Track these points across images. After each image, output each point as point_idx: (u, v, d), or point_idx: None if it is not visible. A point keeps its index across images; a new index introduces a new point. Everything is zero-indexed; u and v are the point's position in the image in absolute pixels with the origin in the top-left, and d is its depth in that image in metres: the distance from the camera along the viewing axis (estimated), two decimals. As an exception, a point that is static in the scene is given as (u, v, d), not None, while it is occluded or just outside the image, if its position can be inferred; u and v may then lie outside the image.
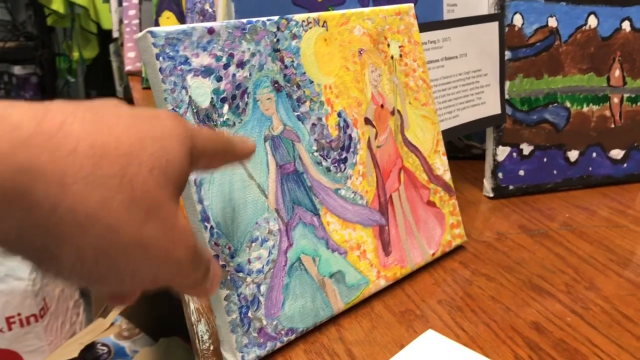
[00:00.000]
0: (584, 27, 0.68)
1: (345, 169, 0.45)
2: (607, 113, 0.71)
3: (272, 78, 0.41)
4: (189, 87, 0.36)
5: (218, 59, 0.38)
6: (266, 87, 0.41)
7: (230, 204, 0.38)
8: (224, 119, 0.38)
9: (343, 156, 0.45)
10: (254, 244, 0.39)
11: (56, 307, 1.39)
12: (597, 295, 0.48)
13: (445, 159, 0.55)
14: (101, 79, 3.11)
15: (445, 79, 0.59)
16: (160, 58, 0.35)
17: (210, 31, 0.38)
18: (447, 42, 0.58)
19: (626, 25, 0.70)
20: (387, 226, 0.48)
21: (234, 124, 0.38)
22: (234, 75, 0.39)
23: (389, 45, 0.50)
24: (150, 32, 0.35)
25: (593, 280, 0.50)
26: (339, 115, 0.45)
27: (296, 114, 0.42)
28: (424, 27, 0.57)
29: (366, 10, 0.49)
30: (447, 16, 0.63)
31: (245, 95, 0.39)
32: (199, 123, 0.36)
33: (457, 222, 0.55)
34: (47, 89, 3.34)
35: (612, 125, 0.72)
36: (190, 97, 0.36)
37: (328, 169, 0.44)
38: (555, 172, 0.69)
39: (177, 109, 0.36)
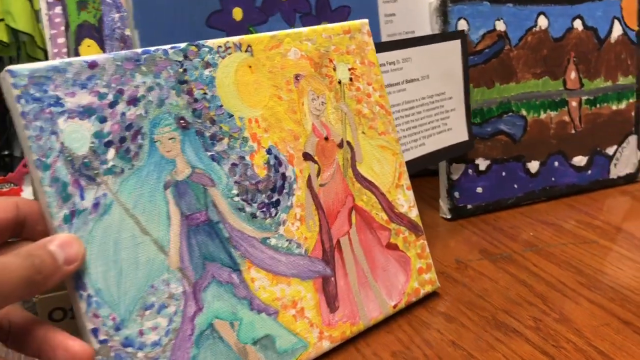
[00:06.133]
0: (534, 29, 0.63)
1: (277, 213, 0.39)
2: (566, 118, 0.66)
3: (177, 114, 0.35)
4: (60, 132, 0.31)
5: (102, 96, 0.33)
6: (168, 125, 0.35)
7: (116, 266, 0.32)
8: (109, 165, 0.32)
9: (274, 199, 0.39)
10: (148, 312, 0.33)
11: None
12: (569, 329, 0.43)
13: (410, 193, 0.48)
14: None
15: (407, 103, 0.52)
16: (22, 101, 0.30)
17: (92, 65, 0.32)
18: (408, 63, 0.52)
19: (578, 24, 0.65)
20: (333, 277, 0.41)
21: (123, 170, 0.33)
22: (123, 114, 0.33)
23: (335, 69, 0.44)
24: (10, 71, 0.30)
25: (563, 311, 0.45)
26: (269, 152, 0.39)
27: (209, 153, 0.37)
28: (381, 47, 0.50)
29: (304, 30, 0.43)
30: (385, 28, 0.56)
31: (139, 137, 0.34)
32: (74, 172, 0.31)
33: (427, 265, 0.47)
34: None
35: (573, 131, 0.67)
36: (62, 143, 0.31)
37: (253, 215, 0.38)
38: (515, 186, 0.64)
39: (44, 159, 0.30)
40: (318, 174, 0.42)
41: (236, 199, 0.37)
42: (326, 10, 0.48)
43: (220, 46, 0.38)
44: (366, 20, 0.47)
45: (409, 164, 0.53)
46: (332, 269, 0.42)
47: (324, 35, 0.44)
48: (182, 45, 0.36)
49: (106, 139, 0.33)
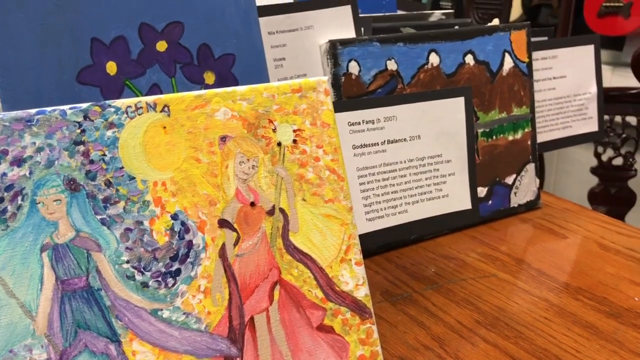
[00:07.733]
0: (426, 66, 0.61)
1: (174, 284, 0.37)
2: None
3: (67, 176, 0.35)
4: None
5: (-18, 156, 0.33)
6: (54, 186, 0.35)
7: (-29, 327, 0.32)
8: (-20, 226, 0.33)
9: (173, 268, 0.37)
10: (0, 377, 0.32)
11: None
12: (462, 375, 0.42)
13: (360, 269, 0.43)
14: None
15: (387, 166, 0.47)
16: None
17: (-24, 126, 0.33)
18: (391, 123, 0.47)
19: (469, 59, 0.65)
20: (239, 357, 0.38)
21: (-5, 231, 0.33)
22: (4, 174, 0.34)
23: (275, 130, 0.41)
24: None
25: (459, 353, 0.45)
26: (175, 217, 0.37)
27: (100, 217, 0.35)
28: (357, 104, 0.46)
29: (240, 89, 0.41)
30: (275, 72, 0.51)
31: (19, 198, 0.34)
32: (-59, 231, 0.32)
33: (372, 354, 0.42)
34: None
35: None
36: None
37: (145, 285, 0.36)
38: None
39: None
40: (236, 243, 0.39)
41: (125, 265, 0.36)
42: (209, 59, 0.45)
43: (130, 106, 0.37)
44: (324, 79, 0.43)
45: (385, 232, 0.48)
46: (238, 349, 0.38)
47: (265, 94, 0.41)
48: (84, 105, 0.36)
49: (-20, 199, 0.33)
